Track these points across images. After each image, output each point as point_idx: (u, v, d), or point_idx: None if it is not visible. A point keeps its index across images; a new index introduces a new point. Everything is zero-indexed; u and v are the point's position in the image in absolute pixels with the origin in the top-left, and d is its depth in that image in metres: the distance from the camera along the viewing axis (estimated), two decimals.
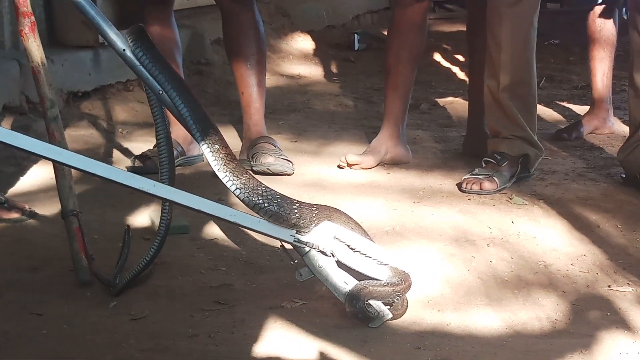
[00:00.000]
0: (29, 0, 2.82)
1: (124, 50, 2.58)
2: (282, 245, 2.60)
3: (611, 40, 4.45)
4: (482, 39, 3.78)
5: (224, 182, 2.51)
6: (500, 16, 3.60)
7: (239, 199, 2.53)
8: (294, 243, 2.54)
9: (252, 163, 3.83)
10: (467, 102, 4.18)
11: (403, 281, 2.58)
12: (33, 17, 2.82)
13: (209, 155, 2.52)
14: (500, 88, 3.64)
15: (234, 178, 2.51)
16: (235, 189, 2.51)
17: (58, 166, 2.81)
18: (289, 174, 3.82)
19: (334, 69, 6.00)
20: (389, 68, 3.92)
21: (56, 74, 4.36)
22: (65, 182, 2.82)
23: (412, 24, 3.86)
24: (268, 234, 2.57)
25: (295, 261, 2.61)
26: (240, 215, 2.53)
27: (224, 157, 2.51)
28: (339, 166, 3.90)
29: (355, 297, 2.52)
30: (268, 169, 3.79)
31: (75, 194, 2.84)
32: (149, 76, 2.56)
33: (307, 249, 2.53)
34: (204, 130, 2.52)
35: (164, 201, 2.69)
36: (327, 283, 2.55)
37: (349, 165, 3.88)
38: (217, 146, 2.52)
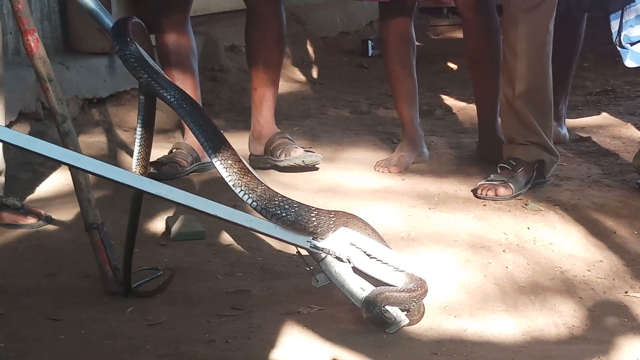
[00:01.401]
0: (30, 18, 2.80)
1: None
2: (298, 251, 2.60)
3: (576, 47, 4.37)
4: (476, 42, 3.94)
5: (240, 196, 2.51)
6: (516, 22, 3.58)
7: (257, 210, 2.52)
8: (310, 249, 2.55)
9: (276, 160, 3.86)
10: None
11: (419, 287, 2.58)
12: (36, 34, 2.77)
13: (222, 170, 2.51)
14: (516, 94, 3.63)
15: (250, 191, 2.51)
16: (252, 202, 2.51)
17: (76, 179, 2.79)
18: (318, 165, 3.88)
19: (348, 75, 6.00)
20: (397, 78, 4.05)
21: (72, 81, 4.38)
22: (84, 196, 2.79)
23: (401, 36, 4.02)
24: (284, 239, 2.57)
25: (312, 267, 2.61)
26: (257, 220, 2.53)
27: (238, 172, 2.51)
28: (376, 169, 3.97)
29: (372, 303, 2.52)
30: (303, 161, 3.83)
31: (95, 206, 2.81)
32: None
33: (323, 255, 2.54)
34: (216, 146, 2.52)
35: (179, 206, 2.69)
36: (344, 289, 2.55)
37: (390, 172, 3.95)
38: (229, 161, 2.52)
